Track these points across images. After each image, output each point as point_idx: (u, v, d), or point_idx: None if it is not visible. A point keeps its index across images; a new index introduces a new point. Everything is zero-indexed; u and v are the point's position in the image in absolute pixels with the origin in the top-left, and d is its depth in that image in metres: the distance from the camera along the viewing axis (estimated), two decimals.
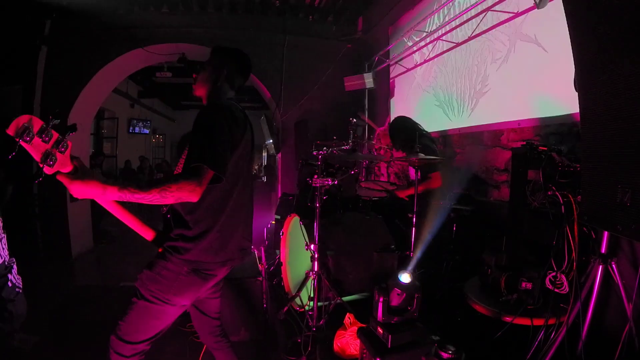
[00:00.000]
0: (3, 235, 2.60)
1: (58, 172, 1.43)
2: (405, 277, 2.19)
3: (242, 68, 2.24)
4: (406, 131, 3.88)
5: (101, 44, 6.68)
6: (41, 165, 1.34)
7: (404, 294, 2.15)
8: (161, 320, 1.84)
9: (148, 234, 1.87)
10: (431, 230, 3.26)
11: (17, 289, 2.66)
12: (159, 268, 1.80)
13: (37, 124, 1.31)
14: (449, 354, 1.91)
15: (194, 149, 1.68)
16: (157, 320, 1.83)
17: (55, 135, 1.36)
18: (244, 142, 1.93)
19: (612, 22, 1.54)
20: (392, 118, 6.29)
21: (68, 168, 1.44)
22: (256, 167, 15.28)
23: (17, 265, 2.71)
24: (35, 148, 1.31)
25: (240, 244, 2.01)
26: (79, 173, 1.46)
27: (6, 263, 2.55)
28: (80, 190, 1.45)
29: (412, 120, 4.12)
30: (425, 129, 4.11)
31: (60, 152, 1.38)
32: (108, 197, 1.52)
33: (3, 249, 2.54)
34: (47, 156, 1.34)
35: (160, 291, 1.78)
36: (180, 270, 1.79)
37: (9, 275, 2.58)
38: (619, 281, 2.00)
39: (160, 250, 1.85)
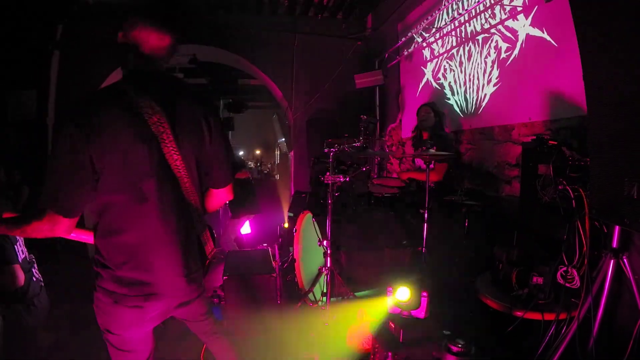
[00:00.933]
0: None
1: None
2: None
3: (149, 18, 1.52)
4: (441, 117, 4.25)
5: (113, 47, 6.72)
6: None
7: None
8: (129, 351, 1.63)
9: None
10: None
11: (40, 283, 2.75)
12: (94, 299, 1.56)
13: None
14: (459, 347, 1.94)
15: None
16: (126, 352, 1.62)
17: None
18: (126, 143, 1.42)
19: (617, 14, 1.55)
20: (402, 115, 6.31)
21: None
22: (269, 165, 15.35)
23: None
24: None
25: (167, 276, 1.57)
26: None
27: (27, 258, 2.63)
28: None
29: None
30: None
31: None
32: None
33: (21, 245, 2.62)
34: None
35: (103, 324, 1.58)
36: (106, 300, 1.52)
37: (33, 270, 2.67)
38: (631, 276, 1.99)
39: None
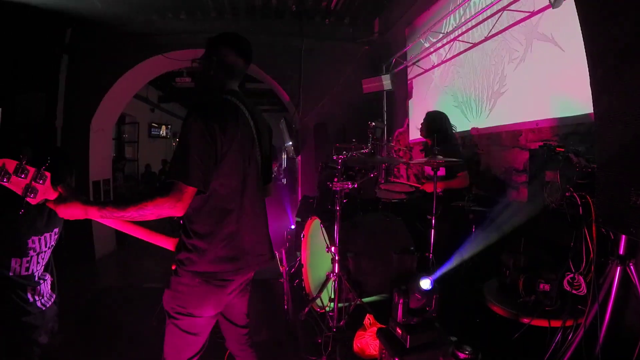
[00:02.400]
0: None
1: (46, 200, 1.59)
2: (425, 284, 2.23)
3: (237, 50, 2.00)
4: (443, 124, 4.14)
5: (121, 51, 6.86)
6: (25, 199, 1.52)
7: (424, 299, 2.19)
8: (195, 334, 1.81)
9: (169, 244, 1.92)
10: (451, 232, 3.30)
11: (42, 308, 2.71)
12: (174, 284, 1.79)
13: (11, 164, 1.50)
14: (466, 354, 1.95)
15: (171, 161, 1.67)
16: (191, 335, 1.81)
17: (32, 170, 1.53)
18: (238, 141, 1.77)
19: (624, 22, 1.56)
20: (410, 119, 6.32)
21: (53, 195, 1.59)
22: (275, 168, 15.37)
23: None
24: (15, 185, 1.50)
25: (254, 249, 1.90)
26: (61, 198, 1.59)
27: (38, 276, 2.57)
28: (64, 212, 1.59)
29: (445, 115, 4.30)
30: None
31: (39, 183, 1.54)
32: (91, 217, 1.60)
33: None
34: (28, 189, 1.51)
35: (181, 307, 1.76)
36: (193, 282, 1.75)
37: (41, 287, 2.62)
38: (637, 283, 1.99)
39: (173, 267, 1.84)
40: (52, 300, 2.41)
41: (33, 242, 2.19)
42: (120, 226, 1.78)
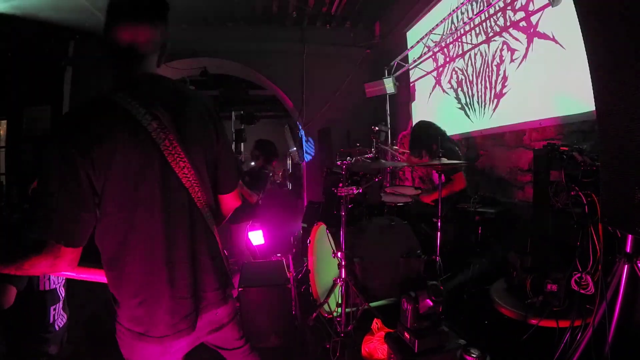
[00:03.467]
0: None
1: None
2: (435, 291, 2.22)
3: (115, 14, 1.38)
4: (429, 138, 3.89)
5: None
6: None
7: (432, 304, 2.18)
8: None
9: None
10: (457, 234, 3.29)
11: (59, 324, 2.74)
12: (117, 331, 1.43)
13: None
14: (473, 357, 1.95)
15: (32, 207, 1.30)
16: None
17: None
18: (121, 162, 1.26)
19: (622, 18, 1.55)
20: (414, 122, 6.31)
21: None
22: (280, 174, 15.38)
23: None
24: None
25: (176, 309, 1.38)
26: None
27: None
28: None
29: (434, 125, 4.15)
30: (447, 132, 4.15)
31: None
32: None
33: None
34: None
35: (128, 356, 1.44)
36: (128, 334, 1.38)
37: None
38: None
39: None
40: (65, 319, 2.45)
41: None
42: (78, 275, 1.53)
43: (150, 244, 1.33)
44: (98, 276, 1.49)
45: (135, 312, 1.35)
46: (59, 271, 1.27)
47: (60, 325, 2.42)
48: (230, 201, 1.67)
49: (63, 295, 2.48)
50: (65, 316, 2.50)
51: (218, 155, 1.54)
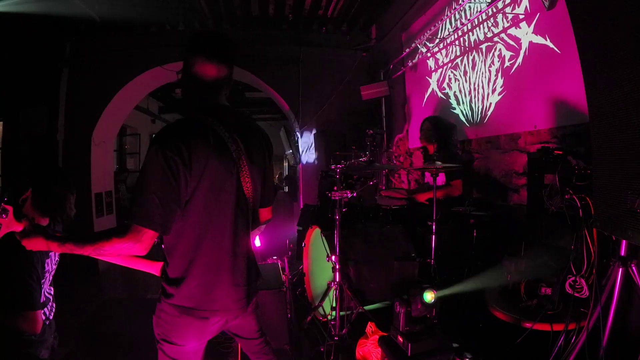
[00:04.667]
0: None
1: (12, 232, 1.61)
2: (428, 296, 2.22)
3: (207, 53, 1.69)
4: (446, 130, 4.12)
5: (121, 63, 6.94)
6: None
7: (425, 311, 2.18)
8: None
9: (153, 269, 1.86)
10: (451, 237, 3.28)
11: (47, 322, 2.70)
12: (158, 311, 1.68)
13: None
14: None
15: (130, 199, 1.57)
16: None
17: None
18: (210, 172, 1.57)
19: (614, 22, 1.56)
20: (408, 125, 6.32)
21: (18, 228, 1.61)
22: (276, 176, 15.39)
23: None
24: None
25: (231, 293, 1.70)
26: (26, 231, 1.60)
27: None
28: (29, 245, 1.59)
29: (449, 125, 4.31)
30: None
31: (2, 218, 1.58)
32: (53, 250, 1.60)
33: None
34: None
35: (164, 335, 1.65)
36: (174, 312, 1.62)
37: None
38: None
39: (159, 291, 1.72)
40: (53, 311, 2.41)
41: (47, 264, 2.21)
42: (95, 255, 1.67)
43: (220, 239, 1.65)
44: (123, 260, 1.89)
45: (194, 290, 1.61)
46: (134, 253, 1.49)
47: (50, 319, 2.37)
48: (265, 214, 2.01)
49: (52, 292, 2.44)
50: (53, 310, 2.45)
51: (266, 176, 1.88)
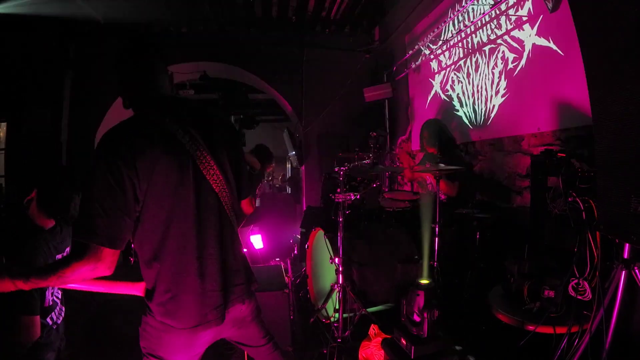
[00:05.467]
0: None
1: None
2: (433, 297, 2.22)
3: (124, 53, 1.71)
4: (446, 134, 4.14)
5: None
6: None
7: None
8: None
9: (137, 290, 1.66)
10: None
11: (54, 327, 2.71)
12: (143, 323, 1.57)
13: None
14: None
15: (78, 214, 1.44)
16: None
17: None
18: (161, 171, 1.44)
19: (618, 24, 1.56)
20: (412, 127, 6.32)
21: None
22: (279, 178, 15.41)
23: None
24: None
25: (206, 301, 1.53)
26: None
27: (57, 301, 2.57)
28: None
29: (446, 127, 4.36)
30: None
31: None
32: (22, 288, 1.36)
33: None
34: None
35: (150, 348, 1.55)
36: (158, 327, 1.52)
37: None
38: None
39: None
40: (62, 315, 2.42)
41: None
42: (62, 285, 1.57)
43: (182, 241, 1.49)
44: (104, 287, 1.65)
45: (168, 305, 1.49)
46: (99, 274, 1.36)
47: (58, 322, 2.37)
48: (245, 206, 1.90)
49: (59, 295, 2.44)
50: (62, 313, 2.46)
51: (237, 165, 1.72)
